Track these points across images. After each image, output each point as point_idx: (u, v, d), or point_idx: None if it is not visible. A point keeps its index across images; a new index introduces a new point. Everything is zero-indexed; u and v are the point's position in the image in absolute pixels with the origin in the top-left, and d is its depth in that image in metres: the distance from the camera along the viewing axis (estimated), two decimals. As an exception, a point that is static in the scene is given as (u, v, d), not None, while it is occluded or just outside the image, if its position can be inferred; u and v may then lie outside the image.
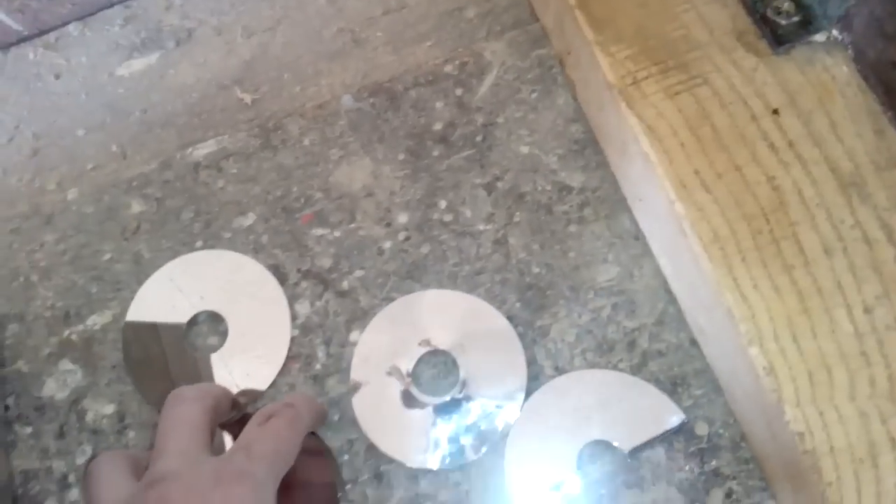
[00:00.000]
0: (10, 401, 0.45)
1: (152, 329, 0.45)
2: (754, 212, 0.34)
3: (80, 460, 0.43)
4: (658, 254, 0.42)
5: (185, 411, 0.30)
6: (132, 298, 0.46)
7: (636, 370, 0.41)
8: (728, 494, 0.39)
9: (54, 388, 0.45)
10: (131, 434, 0.43)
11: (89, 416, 0.44)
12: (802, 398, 0.31)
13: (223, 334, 0.45)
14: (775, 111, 0.36)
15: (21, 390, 0.45)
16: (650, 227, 0.42)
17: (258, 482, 0.28)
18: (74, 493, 0.43)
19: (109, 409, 0.44)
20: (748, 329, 0.32)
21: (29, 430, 0.44)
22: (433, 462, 0.41)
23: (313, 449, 0.35)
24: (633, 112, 0.36)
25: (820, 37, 0.37)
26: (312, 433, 0.36)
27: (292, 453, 0.30)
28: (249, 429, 0.30)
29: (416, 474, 0.41)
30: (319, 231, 0.47)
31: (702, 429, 0.40)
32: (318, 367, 0.44)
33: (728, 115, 0.36)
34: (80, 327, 0.46)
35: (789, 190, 0.34)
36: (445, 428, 0.41)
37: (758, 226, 0.34)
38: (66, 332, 0.46)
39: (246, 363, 0.44)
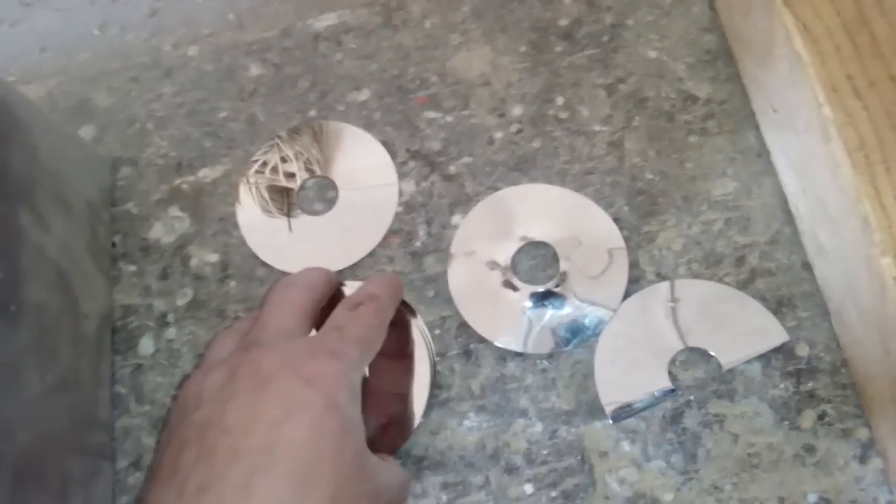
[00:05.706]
0: (118, 239, 0.47)
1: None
2: (906, 124, 0.33)
3: (181, 302, 0.45)
4: (783, 171, 0.41)
5: (292, 295, 0.31)
6: (244, 157, 0.47)
7: (742, 286, 0.41)
8: (821, 416, 0.38)
9: (161, 232, 0.46)
10: (232, 283, 0.45)
11: (193, 262, 0.45)
12: (931, 314, 0.30)
13: (330, 202, 0.46)
14: (940, 26, 0.34)
15: (129, 230, 0.47)
16: (780, 140, 0.40)
17: (350, 361, 0.29)
18: (171, 332, 0.44)
19: (214, 257, 0.45)
20: (883, 238, 0.31)
21: (133, 268, 0.46)
22: (523, 346, 0.41)
23: (396, 352, 0.37)
24: (790, 10, 0.34)
25: None
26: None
27: (379, 341, 0.31)
28: (340, 313, 0.31)
29: (504, 355, 0.41)
30: (432, 114, 0.47)
31: (802, 350, 0.39)
32: (417, 244, 0.44)
33: (888, 23, 0.34)
34: (192, 178, 0.47)
35: (944, 108, 0.33)
36: (539, 316, 0.41)
37: (908, 138, 0.33)
38: (177, 181, 0.47)
39: (349, 229, 0.45)
